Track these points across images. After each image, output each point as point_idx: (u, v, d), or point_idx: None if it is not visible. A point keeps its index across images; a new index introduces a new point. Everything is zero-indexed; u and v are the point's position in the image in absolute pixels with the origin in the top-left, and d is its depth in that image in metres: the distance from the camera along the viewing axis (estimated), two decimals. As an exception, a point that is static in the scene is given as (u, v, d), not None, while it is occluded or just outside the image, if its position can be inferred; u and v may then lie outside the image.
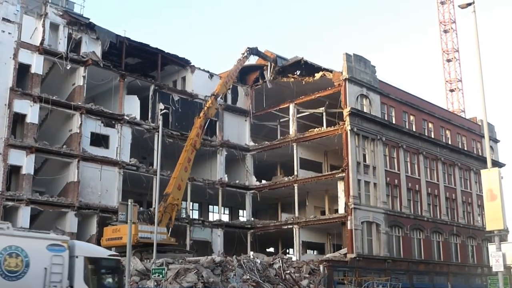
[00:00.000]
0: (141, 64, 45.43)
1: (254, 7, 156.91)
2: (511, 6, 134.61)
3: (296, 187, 44.33)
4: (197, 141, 38.66)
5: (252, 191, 47.37)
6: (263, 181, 48.57)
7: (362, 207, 41.46)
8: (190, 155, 37.91)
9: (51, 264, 16.36)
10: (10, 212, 33.46)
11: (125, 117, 39.68)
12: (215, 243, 43.33)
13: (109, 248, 32.30)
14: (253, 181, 47.94)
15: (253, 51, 46.06)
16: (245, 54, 45.56)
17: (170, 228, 35.55)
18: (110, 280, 18.03)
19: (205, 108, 40.68)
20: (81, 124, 37.14)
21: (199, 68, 46.65)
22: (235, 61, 44.87)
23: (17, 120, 35.71)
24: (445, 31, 79.13)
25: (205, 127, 40.31)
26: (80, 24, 38.89)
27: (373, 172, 43.50)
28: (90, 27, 39.32)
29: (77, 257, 16.98)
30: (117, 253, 20.80)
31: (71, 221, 35.24)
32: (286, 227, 44.62)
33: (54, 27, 37.68)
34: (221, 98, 44.35)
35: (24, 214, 33.35)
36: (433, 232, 47.90)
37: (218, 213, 46.34)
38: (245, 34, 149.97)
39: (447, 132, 53.18)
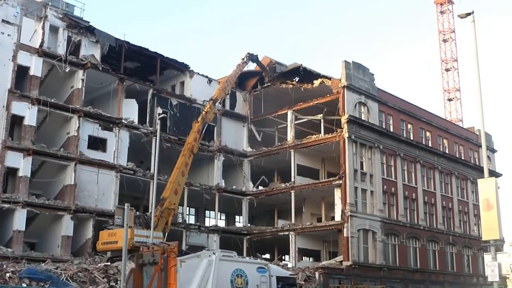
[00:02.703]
0: (140, 68, 45.39)
1: (255, 13, 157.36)
2: (510, 16, 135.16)
3: (293, 194, 44.28)
4: (194, 146, 38.53)
5: (249, 197, 47.31)
6: (260, 187, 48.51)
7: (358, 214, 41.44)
8: (188, 160, 37.76)
9: (260, 282, 21.43)
10: (6, 214, 33.39)
11: (123, 120, 39.66)
12: (211, 248, 43.15)
13: (104, 252, 32.40)
14: (250, 187, 47.92)
15: (253, 57, 45.87)
16: (245, 59, 45.43)
17: (166, 233, 35.42)
18: None
19: (203, 112, 40.57)
20: (79, 127, 37.10)
21: (198, 73, 46.60)
22: (235, 66, 44.85)
23: (15, 122, 35.66)
24: (444, 41, 79.48)
25: (203, 132, 40.22)
26: (79, 27, 38.88)
27: (370, 180, 43.51)
28: (89, 30, 39.32)
29: (272, 276, 22.08)
30: (295, 273, 27.54)
31: (67, 225, 35.12)
32: (282, 233, 44.57)
33: (54, 29, 37.67)
34: (219, 103, 44.32)
35: (20, 217, 33.26)
36: (429, 241, 47.88)
37: (214, 219, 46.28)
38: (245, 40, 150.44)
39: (445, 141, 53.22)
